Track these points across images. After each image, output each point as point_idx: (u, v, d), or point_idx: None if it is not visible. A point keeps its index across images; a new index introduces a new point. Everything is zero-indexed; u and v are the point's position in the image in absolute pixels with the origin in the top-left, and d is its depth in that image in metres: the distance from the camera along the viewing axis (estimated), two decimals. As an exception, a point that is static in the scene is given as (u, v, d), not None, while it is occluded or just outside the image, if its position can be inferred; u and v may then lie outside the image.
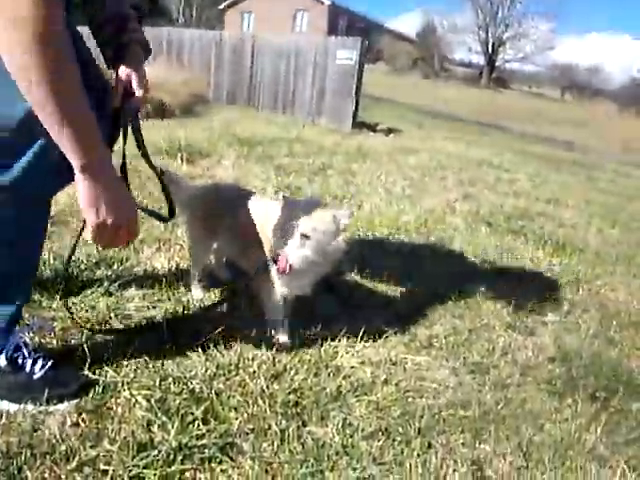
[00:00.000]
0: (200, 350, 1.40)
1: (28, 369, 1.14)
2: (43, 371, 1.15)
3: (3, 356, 1.14)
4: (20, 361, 1.15)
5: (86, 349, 1.28)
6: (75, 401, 1.13)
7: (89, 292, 1.56)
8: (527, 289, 2.29)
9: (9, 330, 1.13)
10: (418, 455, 1.17)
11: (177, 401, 1.17)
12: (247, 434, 1.13)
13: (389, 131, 7.82)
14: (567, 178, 5.93)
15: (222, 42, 8.20)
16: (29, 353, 1.16)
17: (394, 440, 1.20)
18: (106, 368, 1.25)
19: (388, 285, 2.05)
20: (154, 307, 1.55)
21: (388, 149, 5.69)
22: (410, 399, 1.37)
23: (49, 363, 1.17)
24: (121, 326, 1.46)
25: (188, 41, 8.58)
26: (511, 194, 4.35)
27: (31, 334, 1.23)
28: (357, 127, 7.24)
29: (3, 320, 1.11)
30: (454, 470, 1.15)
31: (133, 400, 1.15)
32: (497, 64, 37.80)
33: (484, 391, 1.47)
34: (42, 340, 1.29)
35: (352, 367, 1.45)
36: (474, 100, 20.88)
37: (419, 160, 5.18)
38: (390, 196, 3.44)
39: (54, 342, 1.33)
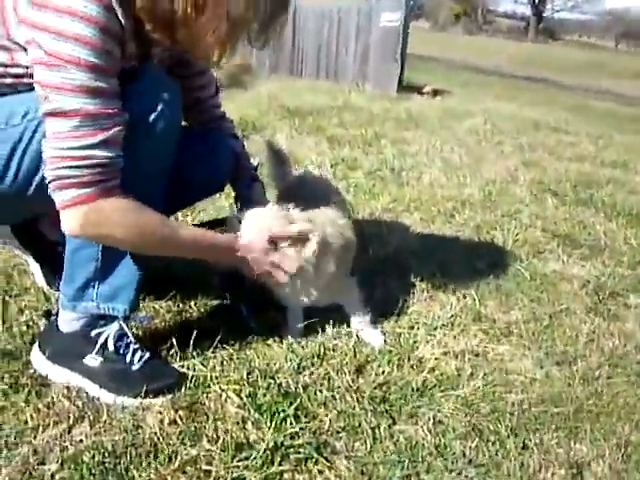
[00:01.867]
0: (281, 341, 1.39)
1: (128, 360, 1.17)
2: (141, 363, 1.17)
3: (111, 341, 1.16)
4: (122, 350, 1.17)
5: (174, 341, 1.29)
6: (170, 396, 1.14)
7: (167, 281, 1.56)
8: (604, 267, 2.17)
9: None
10: (514, 457, 1.13)
11: (267, 397, 1.17)
12: (339, 432, 1.12)
13: (435, 93, 7.51)
14: (633, 138, 5.55)
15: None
16: (129, 343, 1.18)
17: (487, 440, 1.17)
18: (193, 361, 1.26)
19: (458, 266, 1.98)
20: (234, 297, 1.54)
21: (438, 113, 5.46)
22: (497, 394, 1.32)
23: (146, 355, 1.19)
24: (203, 316, 1.47)
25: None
26: (574, 159, 4.12)
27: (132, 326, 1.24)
28: (403, 90, 6.97)
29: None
30: (553, 474, 1.11)
31: (224, 395, 1.16)
32: (545, 14, 35.49)
33: (574, 384, 1.41)
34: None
35: (435, 359, 1.40)
36: (522, 54, 19.79)
37: (472, 124, 4.94)
38: (449, 166, 3.31)
39: (139, 332, 1.35)
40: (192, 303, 1.51)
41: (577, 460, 1.17)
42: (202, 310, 1.50)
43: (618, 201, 3.08)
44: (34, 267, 1.51)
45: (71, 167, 0.98)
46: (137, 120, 1.05)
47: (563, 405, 1.32)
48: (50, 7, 0.94)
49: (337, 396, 1.21)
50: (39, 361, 1.19)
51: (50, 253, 1.48)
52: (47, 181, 1.01)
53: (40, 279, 1.50)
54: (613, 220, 2.75)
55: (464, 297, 1.76)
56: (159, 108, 1.07)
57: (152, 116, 1.07)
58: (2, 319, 1.32)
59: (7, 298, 1.42)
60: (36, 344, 1.22)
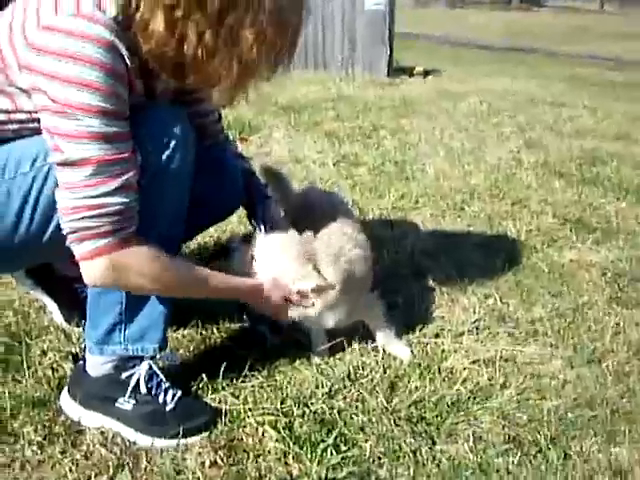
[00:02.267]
0: (309, 363, 1.37)
1: (161, 400, 1.14)
2: (174, 402, 1.15)
3: (143, 382, 1.14)
4: (154, 391, 1.15)
5: (201, 372, 1.27)
6: (206, 434, 1.13)
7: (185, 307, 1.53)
8: (620, 251, 2.16)
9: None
10: (557, 468, 1.12)
11: (304, 427, 1.15)
12: (380, 459, 1.11)
13: (426, 73, 7.42)
14: (630, 107, 5.49)
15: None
16: (160, 382, 1.16)
17: (528, 453, 1.16)
18: (224, 393, 1.24)
19: (475, 263, 1.95)
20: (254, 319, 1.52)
21: (432, 96, 5.39)
22: (532, 401, 1.31)
23: (179, 393, 1.16)
24: (227, 342, 1.44)
25: None
26: (574, 134, 4.08)
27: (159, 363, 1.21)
28: (393, 73, 6.88)
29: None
30: (598, 483, 1.10)
31: (261, 429, 1.14)
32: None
33: (606, 384, 1.39)
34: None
35: (465, 368, 1.39)
36: (508, 23, 19.57)
37: (468, 105, 4.88)
38: (451, 154, 3.26)
39: (165, 365, 1.32)
40: (214, 329, 1.49)
41: (620, 465, 1.16)
42: (225, 335, 1.48)
43: (624, 178, 3.06)
44: (51, 305, 1.48)
45: (87, 217, 0.95)
46: (151, 161, 1.02)
47: (598, 408, 1.31)
48: (51, 52, 0.90)
49: (374, 419, 1.20)
50: (70, 407, 1.16)
51: (66, 289, 1.46)
52: (64, 232, 0.98)
53: (58, 317, 1.47)
54: (622, 199, 2.73)
55: (485, 297, 1.74)
56: (172, 146, 1.03)
57: (166, 155, 1.03)
58: (26, 364, 1.29)
59: (27, 340, 1.39)
60: (65, 389, 1.19)
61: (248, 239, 1.28)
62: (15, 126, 1.03)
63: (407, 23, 14.77)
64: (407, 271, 1.84)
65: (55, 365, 1.31)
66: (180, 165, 1.05)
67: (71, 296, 1.45)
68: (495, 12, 25.78)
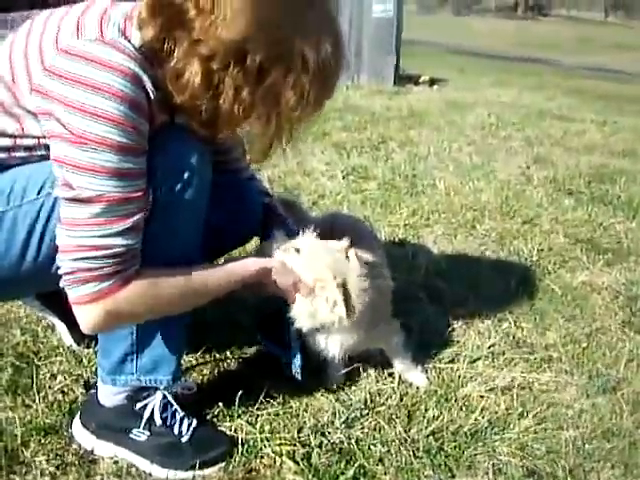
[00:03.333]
0: (325, 389, 1.36)
1: (176, 431, 1.12)
2: (190, 432, 1.12)
3: (157, 413, 1.12)
4: (169, 422, 1.12)
5: (216, 398, 1.26)
6: (223, 464, 1.11)
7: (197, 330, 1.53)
8: (631, 273, 2.15)
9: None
10: (577, 503, 1.11)
11: (322, 458, 1.14)
12: (400, 492, 1.10)
13: (432, 82, 7.43)
14: (636, 122, 5.50)
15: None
16: (175, 412, 1.14)
17: (547, 486, 1.15)
18: (240, 421, 1.23)
19: (489, 285, 1.94)
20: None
21: (439, 106, 5.41)
22: (549, 431, 1.30)
23: (194, 422, 1.14)
24: (241, 366, 1.43)
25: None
26: (583, 150, 4.08)
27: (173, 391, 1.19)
28: (399, 81, 6.90)
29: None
30: (618, 520, 1.09)
31: (279, 460, 1.13)
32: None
33: (622, 414, 1.38)
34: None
35: (482, 396, 1.38)
36: (513, 33, 19.64)
37: (476, 118, 4.89)
38: (461, 169, 3.26)
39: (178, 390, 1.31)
40: (228, 352, 1.47)
41: (638, 500, 1.15)
42: (238, 358, 1.46)
43: (634, 196, 3.05)
44: (60, 326, 1.45)
45: (89, 258, 0.89)
46: (164, 192, 0.98)
47: (615, 439, 1.30)
48: (69, 78, 0.85)
49: (392, 450, 1.18)
50: (83, 436, 1.14)
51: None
52: (60, 272, 0.91)
53: (67, 338, 1.44)
54: (631, 219, 2.72)
55: (499, 321, 1.73)
56: (186, 178, 0.99)
57: (180, 187, 0.99)
58: (36, 387, 1.27)
59: (37, 361, 1.37)
60: (77, 417, 1.17)
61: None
62: (22, 153, 0.99)
63: (413, 30, 14.84)
64: (421, 293, 1.83)
65: (66, 389, 1.29)
66: (193, 198, 1.00)
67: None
68: (501, 20, 25.87)
